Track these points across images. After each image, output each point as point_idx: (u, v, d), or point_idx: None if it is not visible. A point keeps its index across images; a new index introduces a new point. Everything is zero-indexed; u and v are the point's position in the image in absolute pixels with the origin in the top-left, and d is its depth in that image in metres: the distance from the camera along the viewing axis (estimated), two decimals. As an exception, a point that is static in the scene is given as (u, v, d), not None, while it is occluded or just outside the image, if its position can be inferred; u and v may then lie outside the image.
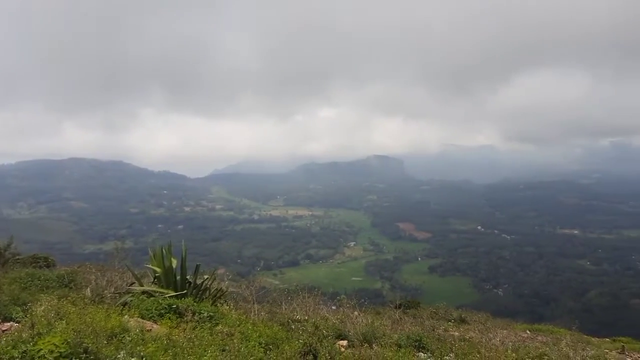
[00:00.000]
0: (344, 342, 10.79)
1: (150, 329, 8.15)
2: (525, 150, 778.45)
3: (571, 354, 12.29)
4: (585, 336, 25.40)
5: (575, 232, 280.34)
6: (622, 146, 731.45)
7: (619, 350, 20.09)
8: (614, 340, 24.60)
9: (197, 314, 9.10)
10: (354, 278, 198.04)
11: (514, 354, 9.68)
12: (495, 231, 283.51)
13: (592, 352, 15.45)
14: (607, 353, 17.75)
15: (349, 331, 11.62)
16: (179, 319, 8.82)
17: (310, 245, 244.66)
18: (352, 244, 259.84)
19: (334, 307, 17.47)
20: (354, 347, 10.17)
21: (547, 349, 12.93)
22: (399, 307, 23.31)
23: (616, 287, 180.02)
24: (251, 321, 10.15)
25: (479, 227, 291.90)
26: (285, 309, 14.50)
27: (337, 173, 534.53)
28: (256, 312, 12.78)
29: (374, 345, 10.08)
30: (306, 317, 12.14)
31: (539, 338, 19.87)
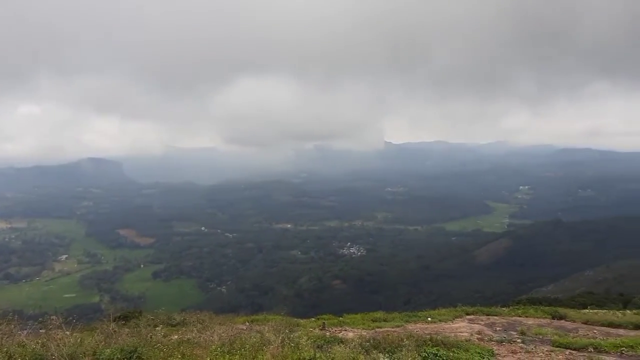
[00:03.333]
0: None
1: None
2: (245, 152, 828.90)
3: (272, 338, 13.40)
4: (295, 319, 28.11)
5: (289, 226, 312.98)
6: (324, 149, 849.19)
7: (320, 327, 22.90)
8: (318, 319, 27.69)
9: None
10: (66, 295, 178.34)
11: (226, 347, 9.94)
12: (218, 231, 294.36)
13: (299, 332, 17.18)
14: (311, 331, 20.01)
15: (52, 355, 10.41)
16: None
17: (10, 264, 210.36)
18: (63, 257, 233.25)
19: (42, 331, 15.37)
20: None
21: (259, 335, 13.90)
22: (118, 320, 21.74)
23: (321, 271, 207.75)
24: None
25: (203, 228, 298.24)
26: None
27: (42, 178, 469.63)
28: None
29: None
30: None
31: (256, 328, 20.95)
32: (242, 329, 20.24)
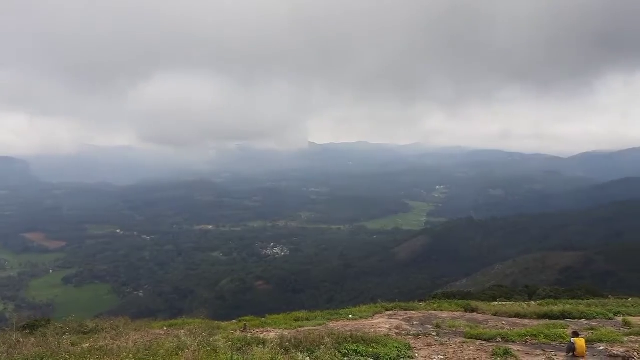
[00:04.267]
0: None
1: None
2: (164, 151, 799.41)
3: (189, 342, 13.04)
4: (216, 322, 27.59)
5: (210, 227, 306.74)
6: (247, 149, 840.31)
7: (242, 329, 22.63)
8: (239, 321, 27.38)
9: None
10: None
11: (141, 353, 9.51)
12: (135, 233, 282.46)
13: (219, 335, 16.84)
14: (232, 333, 19.69)
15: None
16: None
17: None
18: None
19: None
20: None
21: (176, 340, 13.44)
22: (23, 329, 20.24)
23: (243, 273, 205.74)
24: None
25: (118, 231, 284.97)
26: None
27: None
28: None
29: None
30: None
31: (174, 332, 20.33)
32: (160, 334, 19.53)
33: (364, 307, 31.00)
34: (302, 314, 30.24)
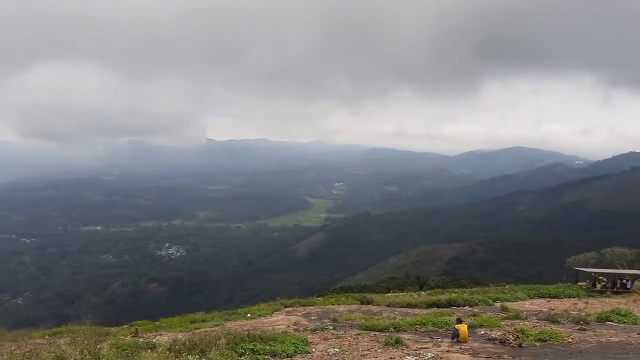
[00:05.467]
0: None
1: None
2: (45, 146, 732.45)
3: (70, 351, 12.13)
4: (105, 328, 26.03)
5: (99, 228, 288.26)
6: (140, 144, 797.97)
7: (133, 334, 21.50)
8: (131, 326, 26.13)
9: None
10: None
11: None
12: (13, 235, 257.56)
13: (107, 342, 15.80)
14: (122, 339, 18.60)
15: None
16: None
17: None
18: None
19: None
20: None
21: (57, 349, 12.41)
22: None
23: (136, 275, 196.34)
24: None
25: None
26: None
27: None
28: None
29: None
30: None
31: (58, 342, 18.91)
32: (41, 344, 18.12)
33: (263, 305, 31.03)
34: (198, 315, 29.72)
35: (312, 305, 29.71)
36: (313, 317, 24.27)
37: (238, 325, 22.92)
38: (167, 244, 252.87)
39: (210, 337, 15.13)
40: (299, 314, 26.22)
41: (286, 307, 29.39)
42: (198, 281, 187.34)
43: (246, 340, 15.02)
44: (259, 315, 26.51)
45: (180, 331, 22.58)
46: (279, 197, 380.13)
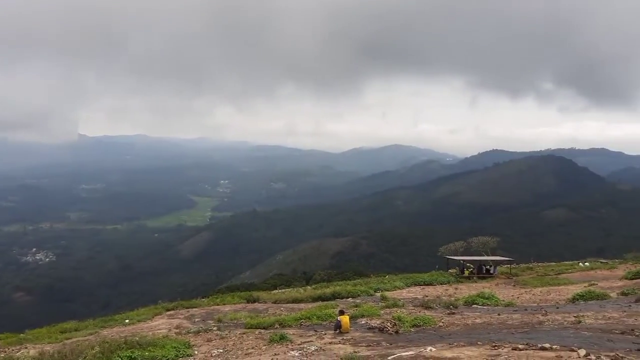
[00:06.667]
0: None
1: None
2: None
3: None
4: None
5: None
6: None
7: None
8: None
9: None
10: None
11: None
12: None
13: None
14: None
15: None
16: None
17: None
18: None
19: None
20: None
21: None
22: None
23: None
24: None
25: None
26: None
27: None
28: None
29: None
30: None
31: None
32: None
33: (143, 309, 29.85)
34: (70, 324, 28.03)
35: (196, 307, 28.96)
36: (197, 319, 23.65)
37: (115, 332, 21.71)
38: (34, 249, 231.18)
39: (83, 347, 14.14)
40: (182, 316, 25.43)
41: (168, 310, 28.39)
42: (71, 288, 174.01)
43: (123, 348, 14.17)
44: (139, 321, 25.37)
45: (48, 343, 21.10)
46: (160, 196, 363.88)
